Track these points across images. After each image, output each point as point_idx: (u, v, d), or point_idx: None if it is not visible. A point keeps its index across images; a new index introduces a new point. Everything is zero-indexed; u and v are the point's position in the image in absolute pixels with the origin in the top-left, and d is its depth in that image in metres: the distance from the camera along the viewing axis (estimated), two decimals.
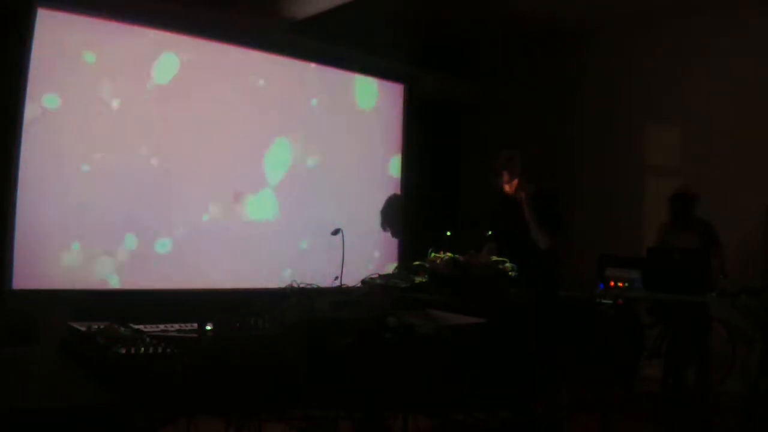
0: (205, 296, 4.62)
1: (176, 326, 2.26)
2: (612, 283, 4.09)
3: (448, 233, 4.00)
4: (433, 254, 3.40)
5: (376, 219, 4.16)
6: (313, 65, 5.46)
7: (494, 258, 3.39)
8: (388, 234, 4.38)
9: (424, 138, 6.22)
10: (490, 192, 4.06)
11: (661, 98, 5.74)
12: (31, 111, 4.08)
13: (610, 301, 3.78)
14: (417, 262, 3.42)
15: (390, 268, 3.96)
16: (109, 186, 4.40)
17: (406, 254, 5.33)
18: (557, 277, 3.78)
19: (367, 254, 5.42)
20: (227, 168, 4.95)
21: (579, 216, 5.29)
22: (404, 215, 5.00)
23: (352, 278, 3.23)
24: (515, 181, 3.88)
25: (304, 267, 5.13)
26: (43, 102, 4.13)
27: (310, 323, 2.26)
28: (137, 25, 4.52)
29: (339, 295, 2.70)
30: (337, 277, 3.02)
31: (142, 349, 1.92)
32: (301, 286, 2.65)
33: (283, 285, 2.64)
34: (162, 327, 2.24)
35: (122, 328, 2.13)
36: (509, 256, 3.73)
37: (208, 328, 2.16)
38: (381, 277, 3.42)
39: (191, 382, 1.94)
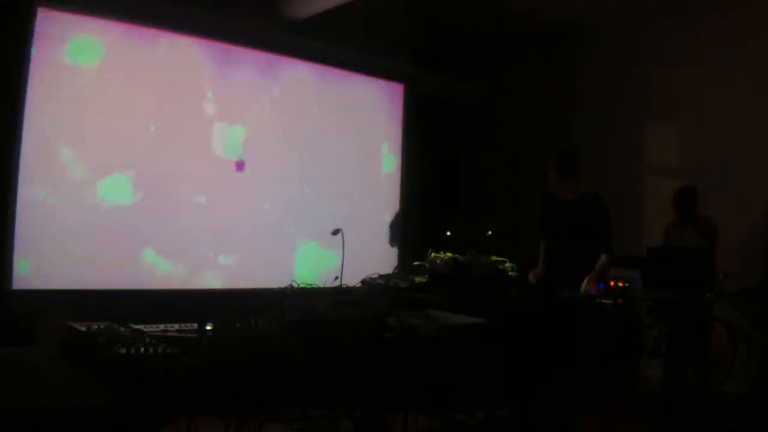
0: (205, 296, 4.62)
1: (176, 326, 2.26)
2: (612, 283, 4.09)
3: (448, 233, 4.00)
4: (433, 254, 3.40)
5: (375, 218, 4.18)
6: (313, 65, 5.46)
7: (494, 258, 3.39)
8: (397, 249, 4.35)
9: (424, 138, 6.22)
10: (539, 192, 4.07)
11: (661, 98, 5.74)
12: (31, 110, 4.09)
13: (610, 301, 3.77)
14: (417, 262, 3.42)
15: (390, 268, 3.96)
16: (110, 185, 4.40)
17: (406, 254, 5.33)
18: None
19: (367, 254, 5.42)
20: (225, 167, 4.95)
21: None
22: (404, 215, 5.02)
23: (352, 278, 3.23)
24: (564, 183, 3.88)
25: (304, 267, 5.16)
26: (43, 101, 4.13)
27: (310, 323, 2.26)
28: (137, 25, 4.52)
29: (339, 295, 2.70)
30: (337, 277, 3.02)
31: (142, 349, 1.92)
32: (301, 286, 2.65)
33: (283, 285, 2.65)
34: (162, 327, 2.24)
35: (122, 328, 2.12)
36: (557, 258, 3.75)
37: (208, 328, 2.16)
38: (381, 277, 3.42)
39: (191, 382, 1.94)
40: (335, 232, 3.24)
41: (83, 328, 2.11)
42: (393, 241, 4.36)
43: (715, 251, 4.54)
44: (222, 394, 2.04)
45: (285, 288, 2.62)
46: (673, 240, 4.79)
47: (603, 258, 3.79)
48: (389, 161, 5.97)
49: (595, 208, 3.84)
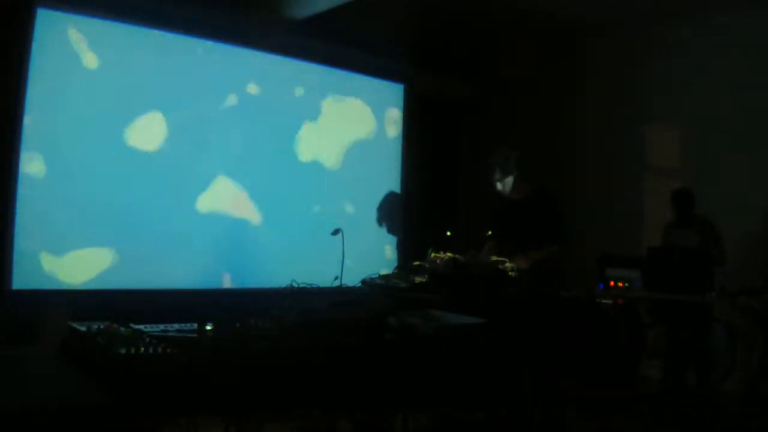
0: (205, 296, 4.62)
1: (176, 326, 2.25)
2: (612, 283, 4.09)
3: (448, 233, 4.00)
4: (433, 254, 3.40)
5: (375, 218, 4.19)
6: (313, 65, 5.45)
7: (494, 258, 3.38)
8: (385, 230, 4.38)
9: (424, 138, 6.22)
10: (491, 192, 4.06)
11: (661, 98, 5.73)
12: (31, 111, 4.09)
13: (610, 301, 3.77)
14: (417, 262, 3.41)
15: (390, 268, 3.96)
16: (110, 185, 4.40)
17: (406, 254, 5.33)
18: (556, 280, 3.75)
19: (368, 254, 5.41)
20: (225, 166, 4.95)
21: (579, 216, 5.29)
22: (404, 215, 5.02)
23: (352, 278, 3.23)
24: (511, 181, 3.87)
25: (304, 267, 5.15)
26: (43, 102, 4.13)
27: (310, 323, 2.26)
28: (137, 25, 4.52)
29: (339, 295, 2.70)
30: (337, 277, 3.02)
31: (142, 349, 1.92)
32: (301, 286, 2.65)
33: (283, 285, 2.65)
34: (162, 327, 2.24)
35: (122, 328, 2.12)
36: (508, 256, 3.71)
37: (208, 328, 2.15)
38: (381, 277, 3.41)
39: (191, 382, 1.94)
40: (335, 232, 3.24)
41: (83, 328, 2.10)
42: (380, 221, 4.39)
43: (722, 244, 4.53)
44: (222, 394, 2.03)
45: (285, 288, 2.62)
46: (672, 240, 4.79)
47: (548, 245, 3.71)
48: (390, 161, 5.97)
49: (542, 204, 3.80)
